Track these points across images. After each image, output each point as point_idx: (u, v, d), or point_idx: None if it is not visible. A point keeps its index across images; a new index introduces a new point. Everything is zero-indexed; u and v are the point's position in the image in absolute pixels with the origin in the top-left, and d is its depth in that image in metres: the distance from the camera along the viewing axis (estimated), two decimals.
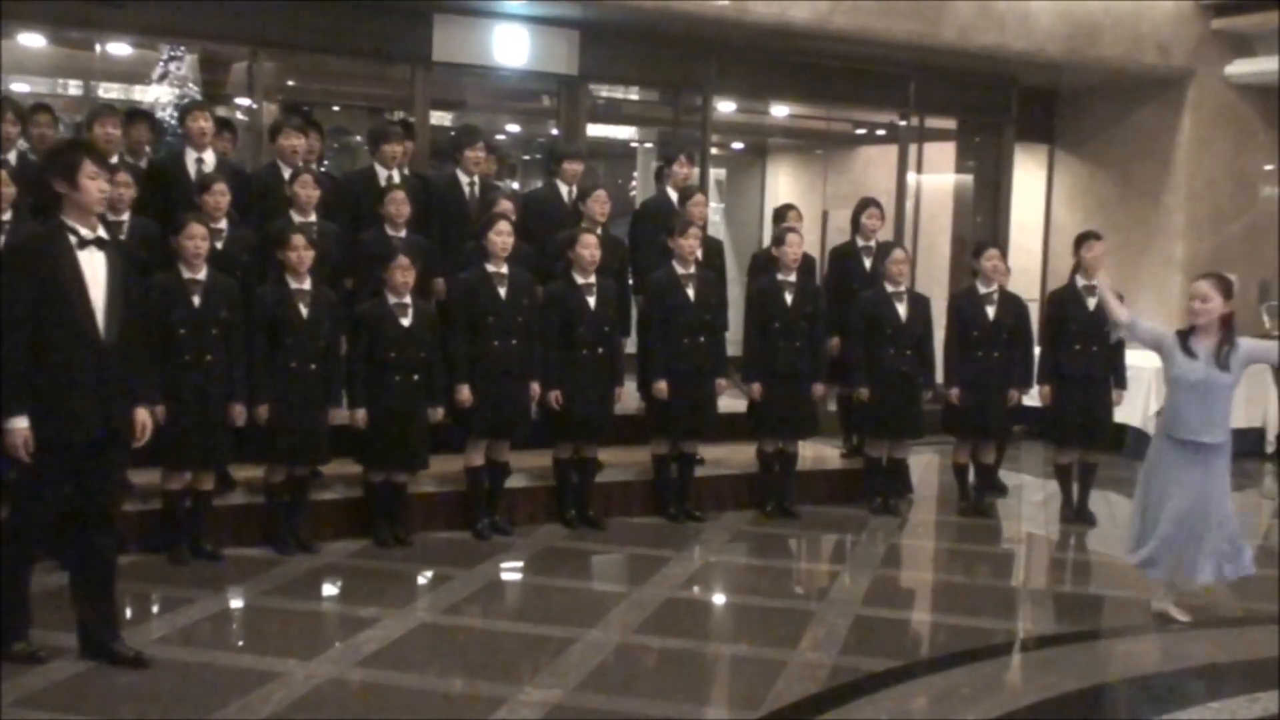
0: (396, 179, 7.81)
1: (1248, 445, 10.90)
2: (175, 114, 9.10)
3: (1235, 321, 5.98)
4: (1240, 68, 11.93)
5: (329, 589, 6.33)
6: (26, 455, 4.58)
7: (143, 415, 4.91)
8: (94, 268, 4.68)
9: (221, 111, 9.57)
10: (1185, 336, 5.96)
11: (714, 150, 11.51)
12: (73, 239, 4.66)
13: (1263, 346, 6.31)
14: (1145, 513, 6.08)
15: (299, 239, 6.52)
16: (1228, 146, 12.20)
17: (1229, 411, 5.98)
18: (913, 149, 12.18)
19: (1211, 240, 12.20)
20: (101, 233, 4.77)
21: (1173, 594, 6.17)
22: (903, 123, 12.06)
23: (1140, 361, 8.77)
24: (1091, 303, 8.01)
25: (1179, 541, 5.94)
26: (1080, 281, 8.07)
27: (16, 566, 4.81)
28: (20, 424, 4.57)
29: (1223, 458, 5.98)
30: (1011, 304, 8.24)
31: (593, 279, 7.32)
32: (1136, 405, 10.04)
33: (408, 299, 6.79)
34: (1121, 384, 8.23)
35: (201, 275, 6.21)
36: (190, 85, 9.86)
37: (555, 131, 10.79)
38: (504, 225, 7.08)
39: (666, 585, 6.45)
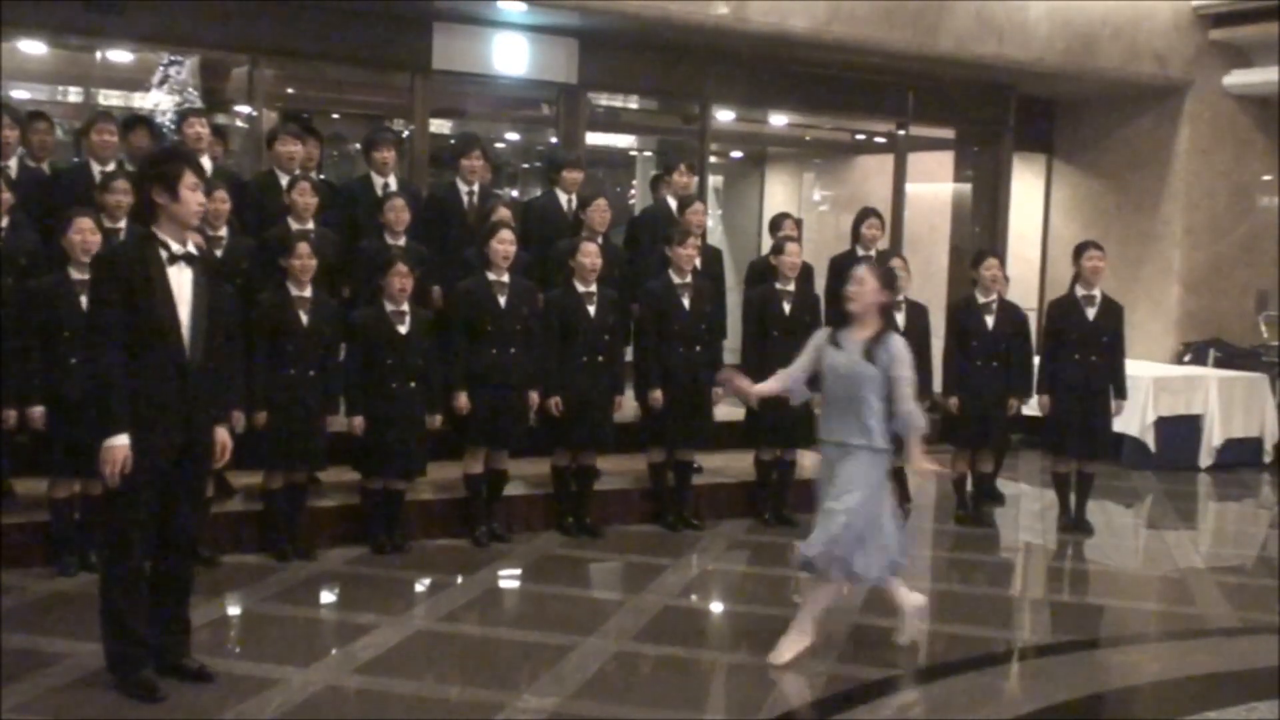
0: (393, 185, 7.82)
1: (1245, 455, 10.91)
2: (174, 120, 9.11)
3: (893, 316, 5.45)
4: (1238, 78, 11.96)
5: (327, 596, 6.32)
6: (118, 477, 4.43)
7: (223, 435, 4.78)
8: (181, 284, 4.54)
9: (221, 118, 9.59)
10: (836, 329, 5.52)
11: (713, 159, 11.53)
12: (164, 253, 4.53)
13: (906, 357, 5.39)
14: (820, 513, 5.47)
15: (304, 247, 6.51)
16: (1225, 156, 12.23)
17: (881, 415, 5.33)
18: (911, 158, 12.20)
19: (1209, 250, 12.22)
20: (191, 248, 4.62)
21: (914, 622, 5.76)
22: (901, 132, 12.08)
23: (1138, 371, 8.79)
24: (1091, 312, 8.02)
25: (844, 543, 5.33)
26: (1079, 291, 8.08)
27: (126, 592, 4.61)
28: (120, 442, 4.41)
29: (879, 462, 5.39)
30: (1010, 313, 8.24)
31: (593, 287, 7.33)
32: (1134, 415, 10.03)
33: (405, 306, 6.79)
34: (1121, 394, 8.21)
35: None
36: (190, 91, 9.85)
37: (554, 140, 10.82)
38: (506, 233, 7.08)
39: (664, 593, 6.45)
